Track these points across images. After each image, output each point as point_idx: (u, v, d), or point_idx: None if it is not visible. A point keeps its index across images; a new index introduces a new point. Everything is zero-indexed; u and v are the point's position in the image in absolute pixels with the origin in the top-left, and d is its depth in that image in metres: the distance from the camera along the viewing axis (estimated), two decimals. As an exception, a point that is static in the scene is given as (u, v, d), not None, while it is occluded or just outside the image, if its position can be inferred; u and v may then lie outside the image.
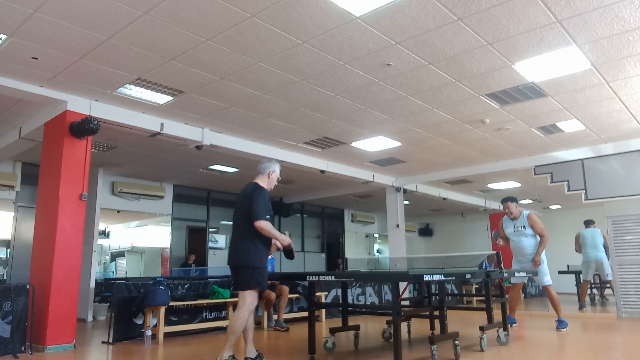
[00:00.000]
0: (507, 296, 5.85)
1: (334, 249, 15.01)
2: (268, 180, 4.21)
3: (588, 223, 9.03)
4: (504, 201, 6.40)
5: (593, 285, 10.02)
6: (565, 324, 6.08)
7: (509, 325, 5.77)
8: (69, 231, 5.44)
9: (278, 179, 4.30)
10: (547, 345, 4.94)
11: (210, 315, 6.55)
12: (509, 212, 6.33)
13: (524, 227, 6.20)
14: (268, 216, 3.94)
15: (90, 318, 8.31)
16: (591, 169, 8.22)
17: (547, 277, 6.13)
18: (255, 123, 6.90)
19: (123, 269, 11.39)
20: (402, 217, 10.87)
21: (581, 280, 9.06)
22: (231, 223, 4.27)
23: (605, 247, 8.47)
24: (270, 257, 6.99)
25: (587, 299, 9.75)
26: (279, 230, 13.16)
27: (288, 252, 4.14)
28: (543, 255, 6.15)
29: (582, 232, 8.99)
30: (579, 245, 8.98)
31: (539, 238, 6.17)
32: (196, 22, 4.17)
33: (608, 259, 8.38)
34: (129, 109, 6.23)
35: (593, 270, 8.74)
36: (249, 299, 3.87)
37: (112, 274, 11.32)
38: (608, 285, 9.01)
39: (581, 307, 8.66)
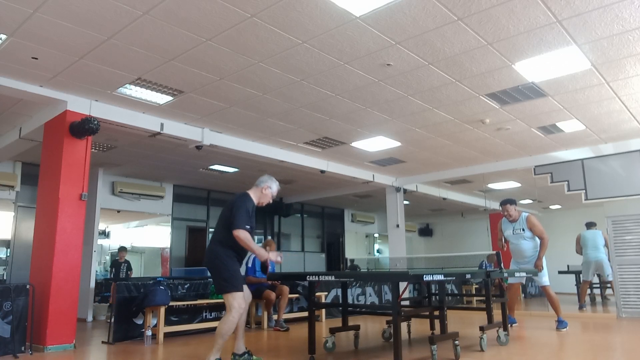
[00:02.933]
0: (506, 296, 5.85)
1: (334, 249, 15.00)
2: (260, 195, 4.20)
3: (590, 225, 9.03)
4: (503, 204, 6.36)
5: (593, 286, 10.01)
6: (565, 324, 6.09)
7: (509, 325, 5.77)
8: (69, 231, 5.44)
9: (272, 196, 4.26)
10: (547, 345, 4.94)
11: (210, 315, 6.55)
12: (508, 215, 6.30)
13: (523, 229, 6.19)
14: (248, 226, 3.92)
15: (90, 318, 8.31)
16: (591, 169, 8.22)
17: (545, 278, 6.13)
18: (255, 123, 6.90)
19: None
20: (402, 217, 10.87)
21: (581, 281, 9.07)
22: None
23: (607, 247, 8.48)
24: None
25: (587, 299, 9.75)
26: (279, 230, 13.23)
27: (264, 268, 4.32)
28: (542, 256, 6.16)
29: (583, 233, 9.00)
30: (580, 246, 8.99)
31: (537, 240, 6.16)
32: (196, 22, 4.17)
33: (609, 259, 8.38)
34: (129, 109, 6.23)
35: (593, 270, 8.75)
36: (234, 302, 3.85)
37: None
38: (609, 285, 9.02)
39: (581, 307, 8.66)
